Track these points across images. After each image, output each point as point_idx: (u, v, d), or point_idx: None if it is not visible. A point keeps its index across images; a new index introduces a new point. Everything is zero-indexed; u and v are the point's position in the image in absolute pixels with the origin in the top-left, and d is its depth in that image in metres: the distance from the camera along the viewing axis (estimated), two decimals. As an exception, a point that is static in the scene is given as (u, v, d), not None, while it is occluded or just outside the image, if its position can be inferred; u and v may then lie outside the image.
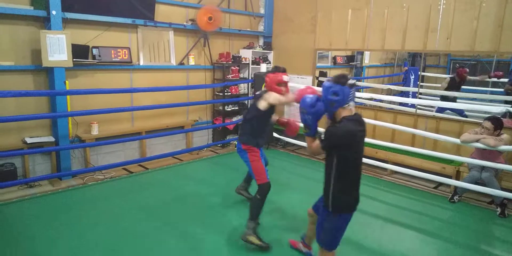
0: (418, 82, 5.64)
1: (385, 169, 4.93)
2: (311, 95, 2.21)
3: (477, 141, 3.76)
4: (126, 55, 4.88)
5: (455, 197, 4.11)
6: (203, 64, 5.87)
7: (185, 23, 5.46)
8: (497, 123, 3.81)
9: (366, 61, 6.86)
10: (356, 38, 5.49)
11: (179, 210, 3.68)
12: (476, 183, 3.93)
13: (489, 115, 3.93)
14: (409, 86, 6.46)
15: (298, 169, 5.18)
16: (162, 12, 5.23)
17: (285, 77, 3.07)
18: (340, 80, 2.10)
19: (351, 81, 2.12)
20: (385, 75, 7.01)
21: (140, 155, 5.19)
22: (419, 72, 5.68)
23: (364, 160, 4.87)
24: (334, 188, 2.16)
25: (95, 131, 4.62)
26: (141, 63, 5.11)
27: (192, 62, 5.65)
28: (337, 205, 2.18)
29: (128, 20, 4.78)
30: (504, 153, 4.02)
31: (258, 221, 3.05)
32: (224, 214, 3.63)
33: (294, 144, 5.92)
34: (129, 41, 4.99)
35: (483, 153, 3.95)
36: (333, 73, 6.75)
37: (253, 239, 2.92)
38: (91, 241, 3.03)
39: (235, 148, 5.95)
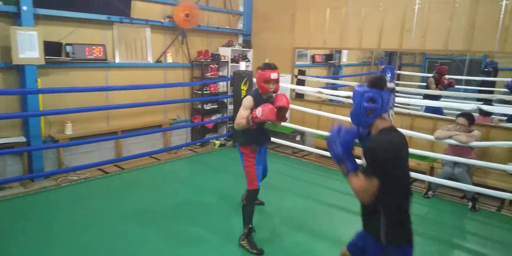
0: (394, 80, 5.73)
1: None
2: (335, 129, 1.79)
3: (450, 137, 3.88)
4: (101, 53, 4.76)
5: (429, 193, 4.22)
6: (181, 62, 5.79)
7: (162, 20, 5.38)
8: (470, 118, 3.94)
9: (344, 59, 6.93)
10: (334, 37, 5.55)
11: (155, 210, 3.62)
12: (449, 178, 4.04)
13: (461, 112, 4.04)
14: (386, 85, 6.55)
15: (277, 167, 5.19)
16: (138, 8, 5.13)
17: (273, 75, 2.96)
18: (377, 83, 1.72)
19: (390, 85, 1.75)
20: (363, 73, 7.11)
21: (116, 155, 5.08)
22: (395, 71, 5.78)
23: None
24: (388, 220, 1.70)
25: (69, 130, 4.49)
26: (117, 60, 5.00)
27: (169, 59, 5.57)
28: (395, 236, 1.71)
29: (103, 17, 4.66)
30: (476, 149, 4.14)
31: (251, 226, 3.04)
32: (204, 212, 3.60)
33: (273, 142, 5.94)
34: (104, 38, 4.87)
35: (455, 149, 4.06)
36: (312, 71, 6.79)
37: (244, 244, 3.00)
38: (64, 244, 2.94)
39: (214, 147, 6.00)
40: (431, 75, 5.76)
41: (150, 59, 5.39)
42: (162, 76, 5.59)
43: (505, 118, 5.04)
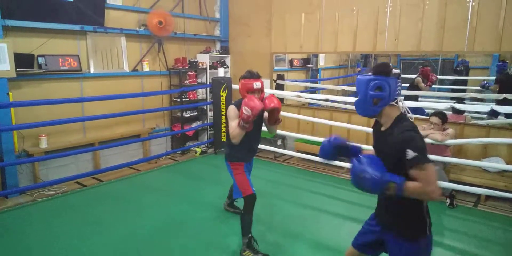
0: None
1: (341, 168, 5.05)
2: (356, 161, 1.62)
3: (426, 136, 3.95)
4: (75, 63, 4.68)
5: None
6: (158, 70, 5.75)
7: (137, 29, 5.34)
8: (443, 117, 4.03)
9: (322, 63, 7.03)
10: (310, 41, 5.62)
11: (135, 222, 3.55)
12: (427, 177, 4.11)
13: (434, 111, 4.13)
14: (363, 86, 6.67)
15: (259, 173, 5.18)
16: (112, 17, 5.07)
17: (256, 84, 2.82)
18: (383, 70, 1.65)
19: (396, 70, 1.68)
20: (340, 76, 7.21)
21: (94, 167, 4.98)
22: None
23: (321, 159, 4.99)
24: (417, 211, 1.70)
25: (44, 144, 4.38)
26: (92, 71, 4.93)
27: (146, 68, 5.52)
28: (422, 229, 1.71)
29: (76, 27, 4.60)
30: (451, 146, 4.24)
31: (250, 235, 2.93)
32: (186, 223, 3.55)
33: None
34: (78, 49, 4.80)
35: (431, 148, 4.13)
36: (290, 76, 6.85)
37: (248, 254, 2.88)
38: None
39: (196, 155, 5.95)
40: (414, 76, 5.87)
41: (126, 68, 5.33)
42: (139, 85, 5.53)
43: (478, 115, 5.20)
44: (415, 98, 5.40)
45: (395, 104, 1.68)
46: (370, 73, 1.68)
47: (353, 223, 3.56)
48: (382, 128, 1.75)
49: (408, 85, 5.68)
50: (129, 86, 5.36)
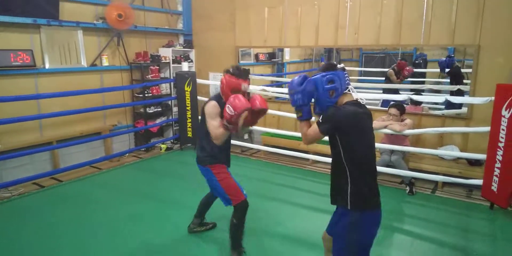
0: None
1: (307, 159, 5.14)
2: (298, 79, 1.93)
3: (385, 127, 4.09)
4: (28, 58, 4.43)
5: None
6: (119, 65, 5.55)
7: (95, 22, 5.12)
8: (401, 108, 4.19)
9: (287, 57, 7.06)
10: (274, 35, 5.63)
11: (97, 223, 3.42)
12: (387, 165, 4.27)
13: (392, 103, 4.28)
14: (327, 80, 6.79)
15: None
16: (68, 10, 4.83)
17: (244, 86, 2.52)
18: (329, 67, 1.90)
19: (340, 65, 1.92)
20: (305, 70, 7.29)
21: (52, 167, 4.76)
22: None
23: (287, 152, 5.08)
24: (352, 183, 1.85)
25: (-4, 144, 4.14)
26: (47, 66, 4.68)
27: (105, 62, 5.32)
28: (358, 201, 1.86)
29: (28, 20, 4.34)
30: (409, 136, 4.41)
31: (242, 248, 2.72)
32: (148, 222, 3.47)
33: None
34: (31, 43, 4.54)
35: (391, 138, 4.30)
36: (256, 70, 6.84)
37: None
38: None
39: (161, 151, 5.83)
40: (374, 69, 5.94)
41: (84, 63, 5.11)
42: (98, 80, 5.32)
43: (435, 106, 5.41)
44: (394, 91, 5.43)
45: (348, 92, 1.91)
46: (319, 72, 1.91)
47: (321, 213, 3.63)
48: None
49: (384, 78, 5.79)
50: (88, 82, 5.15)
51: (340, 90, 1.87)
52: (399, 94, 4.97)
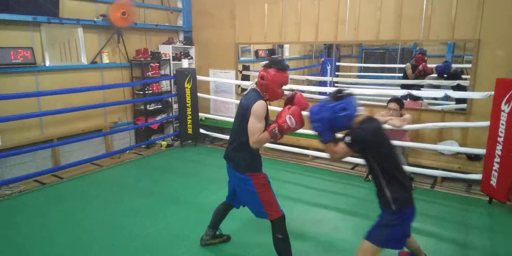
0: (331, 72, 5.93)
1: (307, 155, 5.15)
2: (316, 107, 2.10)
3: (385, 122, 4.09)
4: (29, 56, 4.45)
5: (370, 176, 4.44)
6: (119, 62, 5.57)
7: (95, 19, 5.13)
8: (400, 103, 4.19)
9: (287, 53, 7.06)
10: (274, 31, 5.63)
11: (97, 219, 3.44)
12: (387, 161, 4.27)
13: (390, 98, 4.28)
14: (326, 76, 6.79)
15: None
16: (68, 8, 4.84)
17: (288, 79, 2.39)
18: (339, 95, 2.10)
19: (347, 91, 2.13)
20: (305, 66, 7.29)
21: (54, 164, 4.78)
22: (333, 62, 5.98)
23: (287, 148, 5.10)
24: (390, 189, 2.08)
25: (-2, 141, 4.17)
26: (48, 63, 4.70)
27: (106, 60, 5.33)
28: (399, 202, 2.07)
29: (29, 17, 4.35)
30: (409, 131, 4.41)
31: None
32: (149, 219, 3.49)
33: (222, 139, 5.94)
34: (32, 41, 4.55)
35: (390, 134, 4.29)
36: (256, 66, 6.84)
37: None
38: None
39: (161, 148, 5.85)
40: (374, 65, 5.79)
41: (85, 61, 5.13)
42: (99, 77, 5.34)
43: (435, 101, 5.37)
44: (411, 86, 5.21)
45: (359, 115, 2.13)
46: (331, 101, 2.11)
47: (320, 209, 3.65)
48: None
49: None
50: (88, 79, 5.16)
51: (352, 115, 2.09)
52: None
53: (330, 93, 2.19)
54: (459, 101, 4.65)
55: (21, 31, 4.43)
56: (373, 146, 2.07)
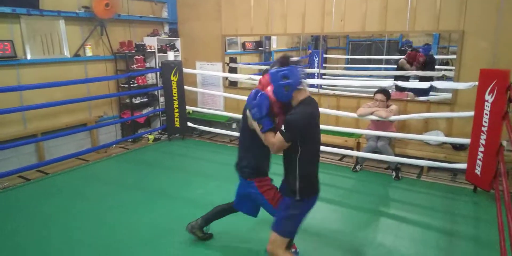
0: (319, 63, 5.93)
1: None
2: (252, 94, 2.05)
3: (371, 113, 4.13)
4: (9, 49, 4.32)
5: (357, 167, 4.48)
6: (103, 55, 5.45)
7: (77, 11, 5.00)
8: (386, 94, 4.22)
9: (274, 45, 7.02)
10: (260, 23, 5.58)
11: (84, 214, 3.40)
12: (374, 152, 4.32)
13: (377, 89, 4.30)
14: (314, 68, 6.79)
15: (215, 157, 5.17)
16: (48, -1, 4.71)
17: None
18: (283, 62, 1.98)
19: (294, 58, 1.99)
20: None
21: (38, 160, 4.69)
22: (320, 54, 5.97)
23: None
24: (300, 175, 2.08)
25: (-22, 137, 4.05)
26: (29, 57, 4.57)
27: (89, 53, 5.21)
28: (306, 191, 2.12)
29: (7, 9, 4.21)
30: (395, 122, 4.46)
31: None
32: (135, 213, 3.46)
33: (210, 132, 5.91)
34: (11, 33, 4.41)
35: (377, 124, 4.34)
36: (243, 59, 6.79)
37: None
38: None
39: (148, 142, 5.78)
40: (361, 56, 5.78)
41: (68, 54, 5.01)
42: (82, 71, 5.22)
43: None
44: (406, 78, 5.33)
45: (302, 89, 2.01)
46: (276, 66, 2.00)
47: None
48: None
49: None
50: (71, 73, 5.05)
51: (294, 85, 1.97)
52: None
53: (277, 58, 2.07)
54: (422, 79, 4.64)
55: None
56: (305, 133, 2.00)
